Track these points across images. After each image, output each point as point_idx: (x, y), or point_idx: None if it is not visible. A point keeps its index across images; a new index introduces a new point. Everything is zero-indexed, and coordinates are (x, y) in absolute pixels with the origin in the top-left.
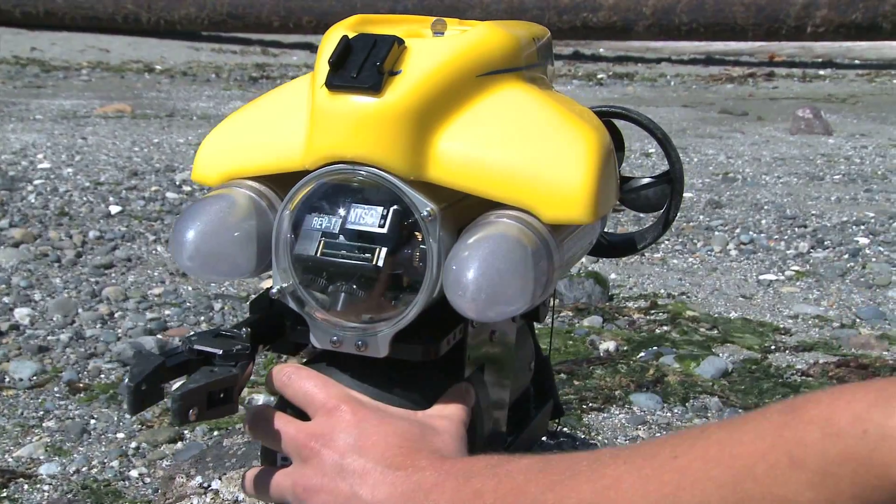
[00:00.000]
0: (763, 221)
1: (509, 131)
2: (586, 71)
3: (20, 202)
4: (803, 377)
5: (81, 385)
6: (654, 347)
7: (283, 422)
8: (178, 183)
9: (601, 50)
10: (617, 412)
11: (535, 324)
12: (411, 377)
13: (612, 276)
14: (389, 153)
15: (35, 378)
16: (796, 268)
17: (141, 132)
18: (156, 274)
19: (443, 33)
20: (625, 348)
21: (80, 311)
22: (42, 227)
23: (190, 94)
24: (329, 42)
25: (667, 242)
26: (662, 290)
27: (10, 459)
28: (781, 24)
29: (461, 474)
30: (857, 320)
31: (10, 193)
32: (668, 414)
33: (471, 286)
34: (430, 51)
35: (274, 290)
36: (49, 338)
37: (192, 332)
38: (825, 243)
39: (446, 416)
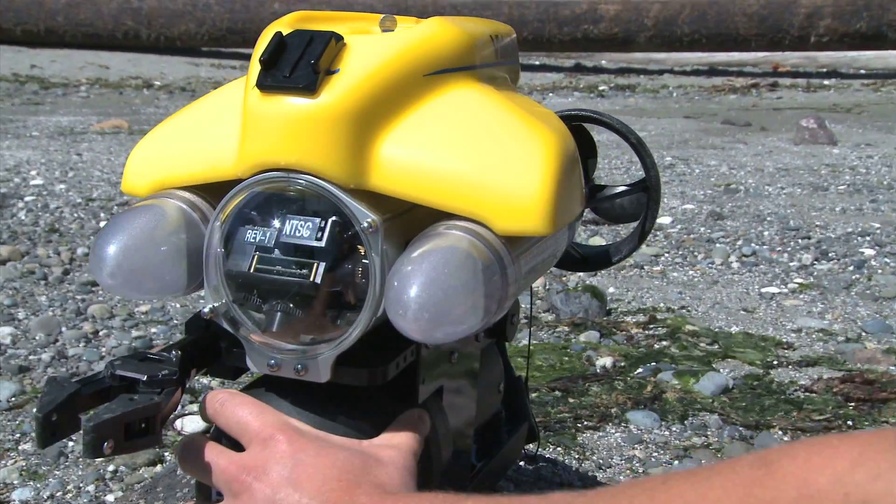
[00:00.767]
0: (766, 233)
1: (459, 135)
2: (588, 83)
3: (10, 219)
4: (807, 393)
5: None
6: (653, 363)
7: (214, 453)
8: None
9: (603, 62)
10: (613, 431)
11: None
12: (357, 403)
13: (611, 289)
14: (326, 159)
15: (14, 399)
16: (800, 280)
17: None
18: None
19: (392, 31)
20: (622, 364)
21: (63, 329)
22: (31, 245)
23: None
24: (264, 40)
25: (666, 255)
26: (662, 304)
27: None
28: (785, 34)
29: None
30: (863, 334)
31: (0, 210)
32: (666, 432)
33: (412, 305)
34: (372, 48)
35: (205, 311)
36: (31, 357)
37: (115, 356)
38: (829, 255)
39: (394, 445)
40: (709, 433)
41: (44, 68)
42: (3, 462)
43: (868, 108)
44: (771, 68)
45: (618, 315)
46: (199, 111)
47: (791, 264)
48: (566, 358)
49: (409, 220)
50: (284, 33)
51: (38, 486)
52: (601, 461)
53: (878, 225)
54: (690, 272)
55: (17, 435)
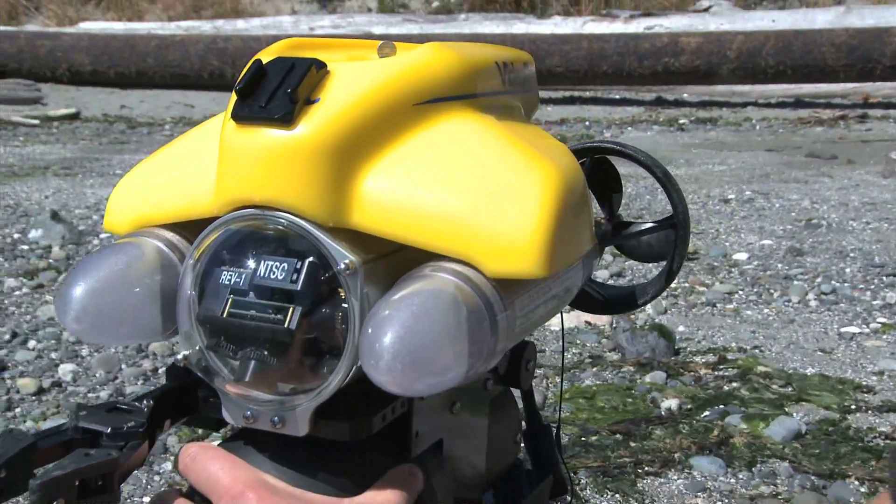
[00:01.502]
0: (847, 270)
1: (448, 168)
2: (668, 116)
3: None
4: (887, 441)
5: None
6: (721, 406)
7: None
8: None
9: (685, 95)
10: (675, 477)
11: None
12: (340, 458)
13: (680, 328)
14: (303, 195)
15: None
16: (883, 320)
17: None
18: None
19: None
20: (688, 406)
21: (123, 367)
22: None
23: None
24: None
25: (740, 292)
26: (733, 344)
27: None
28: (875, 64)
29: None
30: None
31: (77, 247)
32: (732, 480)
33: (385, 354)
34: (356, 75)
35: (179, 358)
36: (89, 395)
37: (81, 407)
38: None
39: (377, 503)
40: (778, 481)
41: (132, 108)
42: None
43: None
44: (861, 99)
45: (686, 355)
46: (183, 145)
47: (874, 303)
48: (630, 399)
49: (398, 262)
50: (265, 61)
51: None
52: None
53: None
54: (765, 310)
55: None
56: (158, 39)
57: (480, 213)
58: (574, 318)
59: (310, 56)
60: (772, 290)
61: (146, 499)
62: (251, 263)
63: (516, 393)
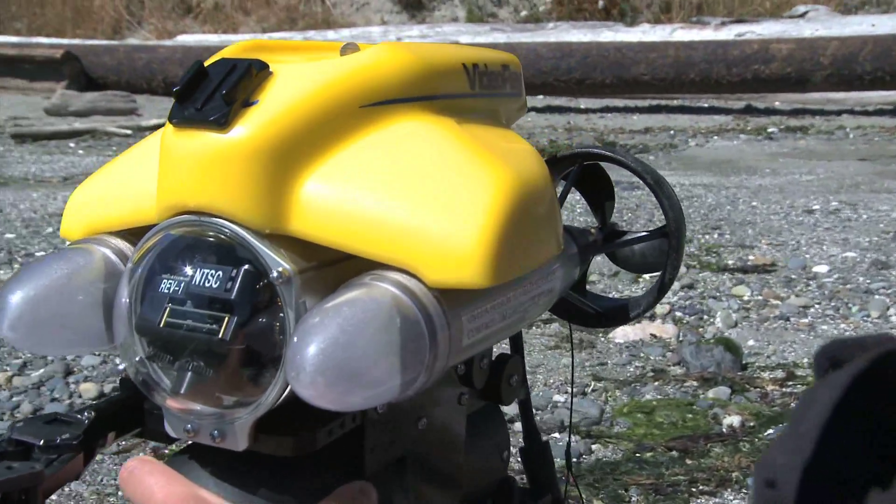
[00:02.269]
0: None
1: (392, 172)
2: (756, 125)
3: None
4: None
5: (167, 451)
6: (785, 424)
7: None
8: None
9: (777, 103)
10: (731, 497)
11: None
12: (285, 474)
13: (750, 342)
14: (239, 201)
15: (123, 443)
16: None
17: None
18: None
19: None
20: (751, 424)
21: None
22: None
23: None
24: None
25: (817, 306)
26: (805, 360)
27: None
28: None
29: None
30: None
31: None
32: None
33: (307, 366)
34: (299, 77)
35: (121, 368)
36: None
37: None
38: None
39: None
40: None
41: None
42: None
43: None
44: None
45: (753, 370)
46: (140, 150)
47: None
48: (690, 415)
49: (343, 272)
50: (208, 62)
51: None
52: None
53: None
54: (842, 325)
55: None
56: None
57: (422, 219)
58: (640, 331)
59: (266, 58)
60: (850, 305)
61: None
62: (189, 271)
63: (514, 409)
